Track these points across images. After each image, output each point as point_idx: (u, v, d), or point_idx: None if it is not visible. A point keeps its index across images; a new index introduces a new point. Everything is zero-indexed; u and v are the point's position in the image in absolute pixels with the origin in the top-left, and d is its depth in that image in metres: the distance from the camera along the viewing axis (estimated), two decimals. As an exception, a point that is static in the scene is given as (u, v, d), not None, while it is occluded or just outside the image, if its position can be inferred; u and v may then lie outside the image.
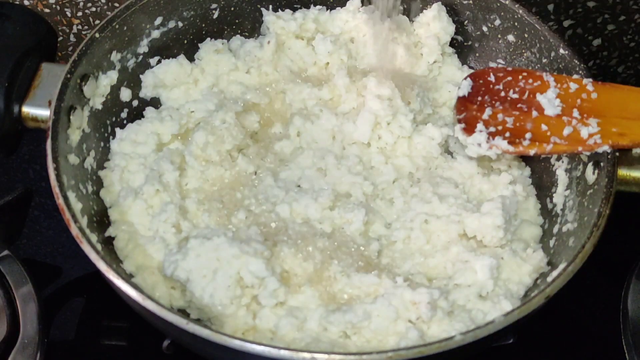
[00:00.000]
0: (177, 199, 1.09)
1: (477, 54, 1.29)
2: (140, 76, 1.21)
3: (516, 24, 1.21)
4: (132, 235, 1.07)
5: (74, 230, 0.96)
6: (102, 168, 1.14)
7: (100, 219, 1.08)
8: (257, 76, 1.23)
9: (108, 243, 1.06)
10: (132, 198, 1.08)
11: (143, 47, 1.20)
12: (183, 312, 1.02)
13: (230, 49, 1.26)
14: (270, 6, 1.27)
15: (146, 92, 1.22)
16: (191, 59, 1.24)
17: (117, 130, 1.17)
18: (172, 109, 1.19)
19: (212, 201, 1.11)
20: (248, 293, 1.00)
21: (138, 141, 1.15)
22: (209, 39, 1.26)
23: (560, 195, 1.13)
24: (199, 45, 1.25)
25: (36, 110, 1.09)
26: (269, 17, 1.25)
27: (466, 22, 1.27)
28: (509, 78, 1.13)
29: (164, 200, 1.08)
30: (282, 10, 1.27)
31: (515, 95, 1.11)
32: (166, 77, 1.21)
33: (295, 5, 1.28)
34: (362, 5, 1.27)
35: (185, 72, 1.22)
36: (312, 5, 1.28)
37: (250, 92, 1.20)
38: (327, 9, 1.28)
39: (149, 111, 1.19)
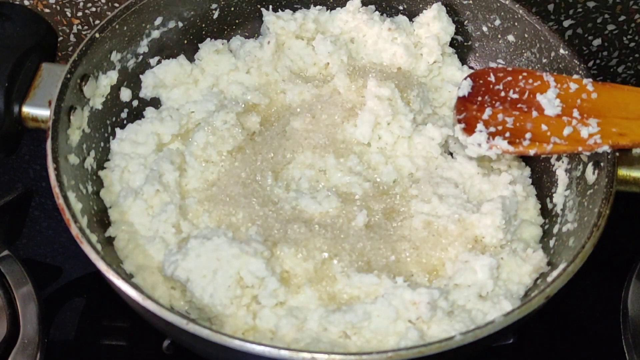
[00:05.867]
0: (177, 199, 1.09)
1: (477, 54, 1.28)
2: (140, 76, 1.21)
3: (516, 24, 1.21)
4: (132, 236, 1.07)
5: (74, 230, 0.96)
6: (102, 168, 1.14)
7: (101, 219, 1.08)
8: (257, 76, 1.23)
9: (108, 243, 1.06)
10: (132, 198, 1.08)
11: (143, 47, 1.20)
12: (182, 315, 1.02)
13: (230, 49, 1.26)
14: (270, 6, 1.27)
15: (146, 92, 1.22)
16: (191, 59, 1.24)
17: (117, 130, 1.17)
18: (172, 109, 1.19)
19: (212, 201, 1.11)
20: (248, 293, 1.00)
21: (138, 141, 1.15)
22: (209, 39, 1.26)
23: (560, 195, 1.13)
24: (199, 45, 1.25)
25: (36, 110, 1.10)
26: (269, 17, 1.25)
27: (466, 22, 1.27)
28: (509, 78, 1.13)
29: (164, 200, 1.08)
30: (282, 11, 1.27)
31: (515, 95, 1.11)
32: (166, 77, 1.21)
33: (296, 6, 1.28)
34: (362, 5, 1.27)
35: (185, 72, 1.22)
36: (312, 6, 1.28)
37: (250, 93, 1.20)
38: (327, 9, 1.28)
39: (149, 111, 1.19)
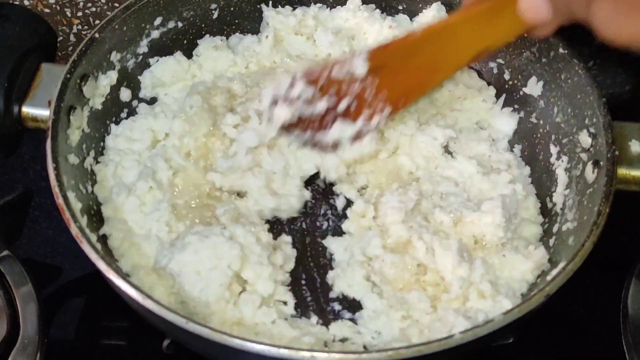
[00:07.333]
0: (170, 196, 1.09)
1: (476, 54, 1.28)
2: (139, 77, 1.21)
3: (516, 23, 1.20)
4: (126, 234, 1.06)
5: (74, 229, 0.96)
6: (101, 167, 1.13)
7: (100, 219, 1.08)
8: (256, 69, 1.23)
9: (104, 242, 1.06)
10: (125, 195, 1.07)
11: (143, 47, 1.20)
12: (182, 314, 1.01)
13: (229, 46, 1.26)
14: (270, 3, 1.27)
15: (145, 92, 1.21)
16: (190, 57, 1.24)
17: (113, 126, 1.16)
18: (164, 104, 1.19)
19: (198, 195, 1.10)
20: (237, 290, 0.99)
21: (133, 137, 1.14)
22: (207, 35, 1.26)
23: (560, 194, 1.12)
24: (198, 41, 1.25)
25: (36, 111, 1.10)
26: (269, 13, 1.25)
27: (466, 21, 1.26)
28: None
29: (157, 198, 1.07)
30: (282, 7, 1.27)
31: None
32: (164, 75, 1.21)
33: (295, 5, 1.28)
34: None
35: (183, 68, 1.22)
36: (312, 4, 1.28)
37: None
38: (327, 7, 1.28)
39: (142, 107, 1.19)
